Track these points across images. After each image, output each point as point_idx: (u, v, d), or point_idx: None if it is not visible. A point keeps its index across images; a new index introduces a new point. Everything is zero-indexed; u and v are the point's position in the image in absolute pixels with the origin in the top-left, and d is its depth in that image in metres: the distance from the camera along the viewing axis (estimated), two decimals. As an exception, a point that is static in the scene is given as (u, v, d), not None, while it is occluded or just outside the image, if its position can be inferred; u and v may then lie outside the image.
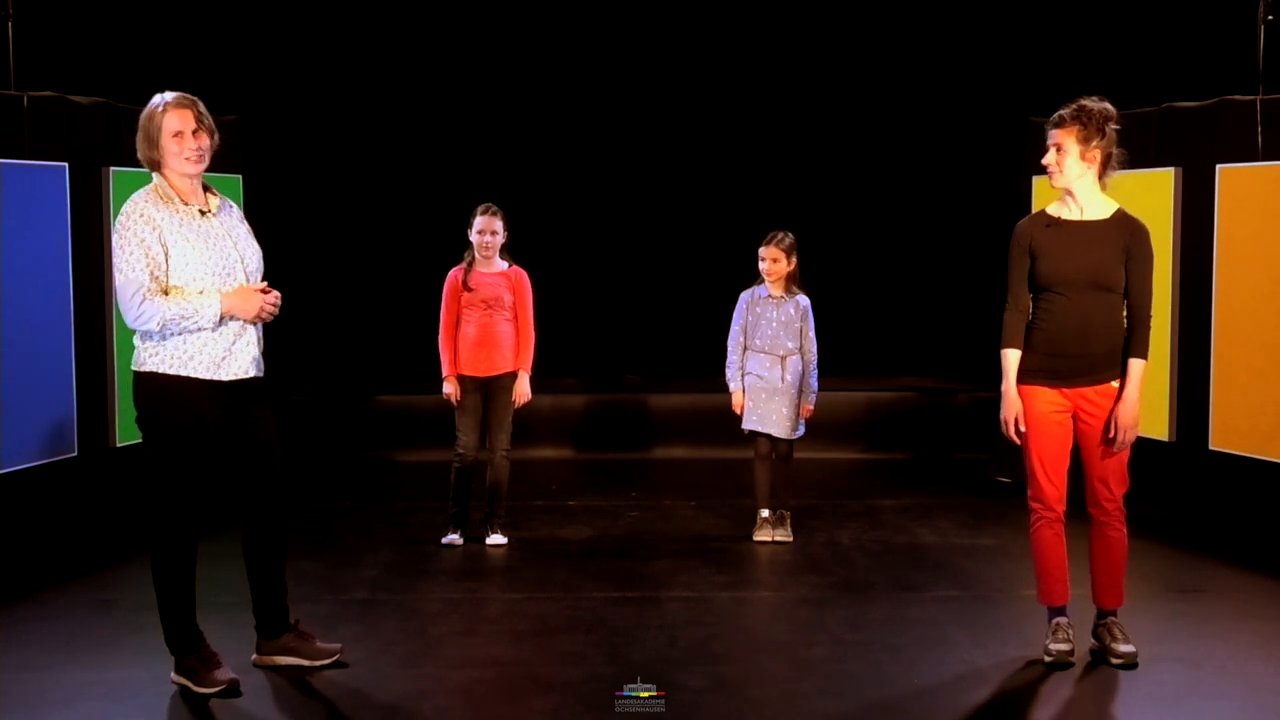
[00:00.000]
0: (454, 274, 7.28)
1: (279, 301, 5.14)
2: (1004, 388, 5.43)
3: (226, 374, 5.06)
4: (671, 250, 10.86)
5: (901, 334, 10.96)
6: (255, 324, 5.14)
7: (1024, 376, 5.40)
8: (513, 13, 10.63)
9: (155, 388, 5.02)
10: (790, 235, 7.32)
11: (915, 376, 10.61)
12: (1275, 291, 6.97)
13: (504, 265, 7.30)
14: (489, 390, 7.26)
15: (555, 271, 8.99)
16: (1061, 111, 5.35)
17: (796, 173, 10.80)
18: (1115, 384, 5.32)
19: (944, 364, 10.77)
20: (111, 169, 7.18)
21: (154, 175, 5.12)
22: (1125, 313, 5.35)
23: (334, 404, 9.94)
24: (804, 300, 7.36)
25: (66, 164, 6.92)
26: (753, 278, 7.42)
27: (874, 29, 10.66)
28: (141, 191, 5.08)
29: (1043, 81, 9.74)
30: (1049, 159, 5.34)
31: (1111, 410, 5.32)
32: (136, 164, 5.15)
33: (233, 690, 5.10)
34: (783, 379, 7.29)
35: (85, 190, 7.07)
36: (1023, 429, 5.39)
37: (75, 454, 7.00)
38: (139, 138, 5.11)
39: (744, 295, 7.42)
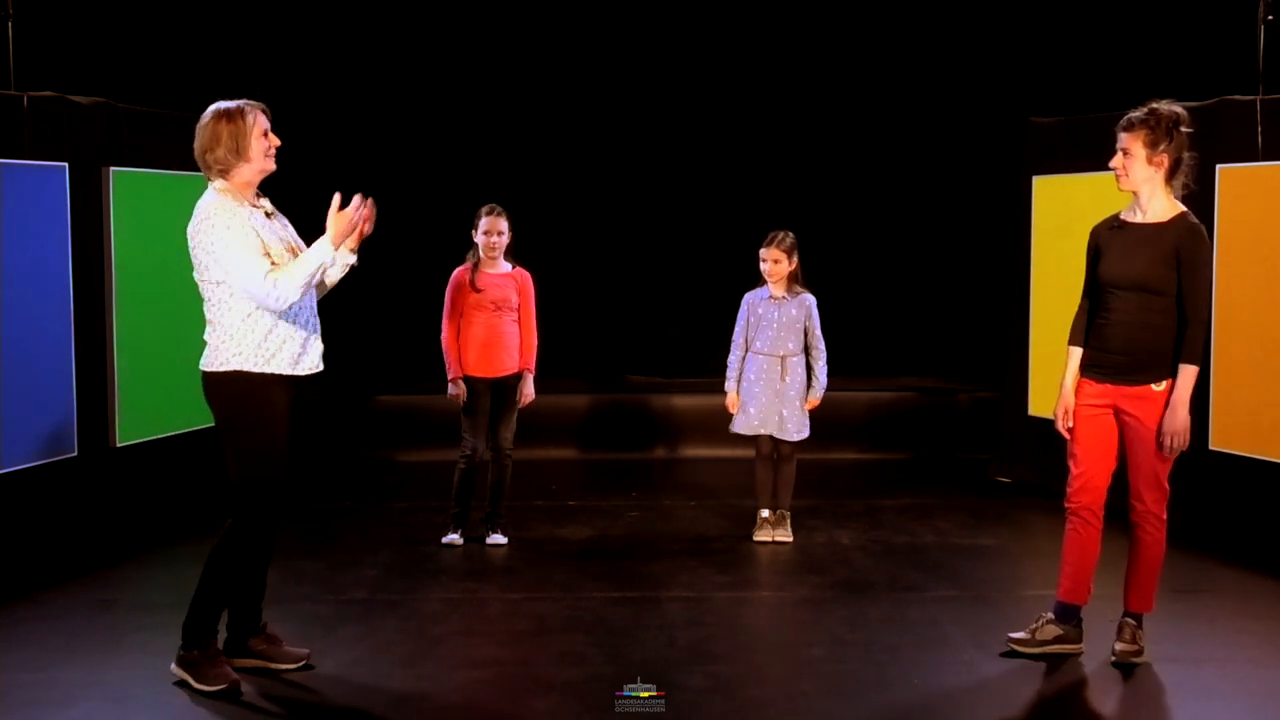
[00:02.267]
0: (458, 274, 7.27)
1: (373, 207, 5.19)
2: (1062, 381, 5.52)
3: (303, 369, 5.18)
4: (673, 251, 10.85)
5: (902, 334, 10.95)
6: (356, 249, 5.23)
7: (1081, 370, 5.47)
8: (515, 13, 10.62)
9: (240, 386, 5.06)
10: (790, 235, 7.32)
11: (915, 376, 10.61)
12: (1275, 291, 6.97)
13: (508, 266, 7.29)
14: (494, 391, 7.25)
15: (557, 271, 8.98)
16: (1131, 115, 5.32)
17: (797, 173, 10.79)
18: (1154, 387, 5.30)
19: (944, 364, 10.77)
20: (111, 169, 7.17)
21: (217, 181, 5.12)
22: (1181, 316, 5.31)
23: (334, 404, 9.94)
24: (809, 298, 7.36)
25: (66, 164, 6.91)
26: (755, 277, 7.42)
27: (875, 30, 10.65)
28: (211, 195, 5.11)
29: (1043, 81, 9.76)
30: (1116, 162, 5.32)
31: (1161, 416, 5.31)
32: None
33: (233, 690, 5.10)
34: (783, 380, 7.29)
35: (85, 190, 7.05)
36: (1070, 424, 5.45)
37: (75, 454, 6.99)
38: (214, 142, 5.07)
39: (747, 297, 7.42)
